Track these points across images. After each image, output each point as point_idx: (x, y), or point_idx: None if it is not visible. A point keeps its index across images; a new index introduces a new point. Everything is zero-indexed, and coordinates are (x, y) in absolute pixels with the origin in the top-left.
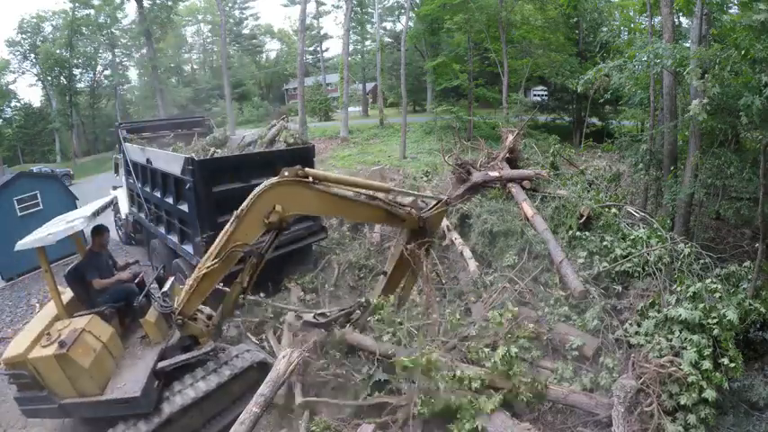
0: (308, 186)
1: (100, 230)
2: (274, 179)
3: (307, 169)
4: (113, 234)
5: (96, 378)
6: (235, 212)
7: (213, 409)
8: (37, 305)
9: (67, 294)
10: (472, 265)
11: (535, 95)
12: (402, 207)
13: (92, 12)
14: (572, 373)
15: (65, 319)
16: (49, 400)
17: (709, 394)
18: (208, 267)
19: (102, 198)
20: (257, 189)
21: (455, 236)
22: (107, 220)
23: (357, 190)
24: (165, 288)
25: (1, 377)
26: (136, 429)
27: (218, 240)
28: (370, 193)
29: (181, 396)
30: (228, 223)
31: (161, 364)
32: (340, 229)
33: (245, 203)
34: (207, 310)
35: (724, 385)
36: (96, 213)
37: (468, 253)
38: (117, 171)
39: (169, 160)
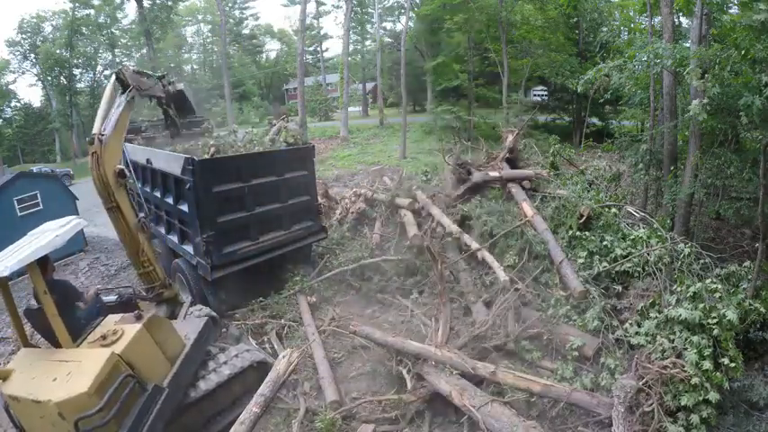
0: (110, 139)
1: (44, 261)
2: (91, 161)
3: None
4: (113, 234)
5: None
6: (106, 208)
7: (213, 408)
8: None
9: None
10: (501, 274)
11: (535, 95)
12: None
13: (92, 12)
14: (572, 373)
15: (74, 348)
16: (157, 392)
17: (713, 396)
18: (143, 244)
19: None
20: (98, 177)
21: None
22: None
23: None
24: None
25: None
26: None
27: (126, 232)
28: None
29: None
30: (113, 220)
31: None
32: (340, 228)
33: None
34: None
35: (724, 385)
36: (67, 235)
37: (489, 257)
38: None
39: (169, 160)
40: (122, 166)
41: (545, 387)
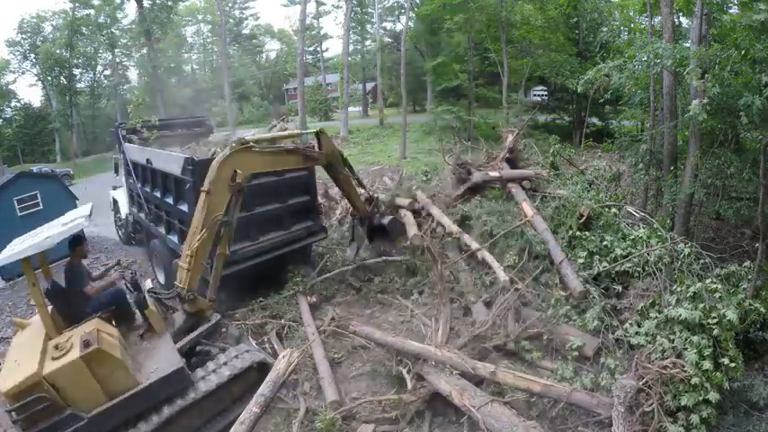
0: (252, 150)
1: (79, 241)
2: (227, 151)
3: (247, 137)
4: (113, 234)
5: (130, 368)
6: (200, 189)
7: (213, 409)
8: None
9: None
10: (501, 274)
11: (535, 95)
12: (312, 150)
13: (92, 12)
14: (572, 373)
15: (60, 335)
16: (72, 419)
17: (713, 396)
18: (198, 240)
19: (70, 215)
20: (215, 162)
21: (466, 238)
22: (107, 220)
23: (283, 146)
24: (149, 285)
25: None
26: (135, 430)
27: (196, 217)
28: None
29: (180, 398)
30: (200, 200)
31: (179, 345)
32: (340, 228)
33: (208, 179)
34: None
35: (724, 385)
36: (60, 237)
37: (489, 257)
38: (117, 171)
39: (169, 160)
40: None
41: (545, 387)
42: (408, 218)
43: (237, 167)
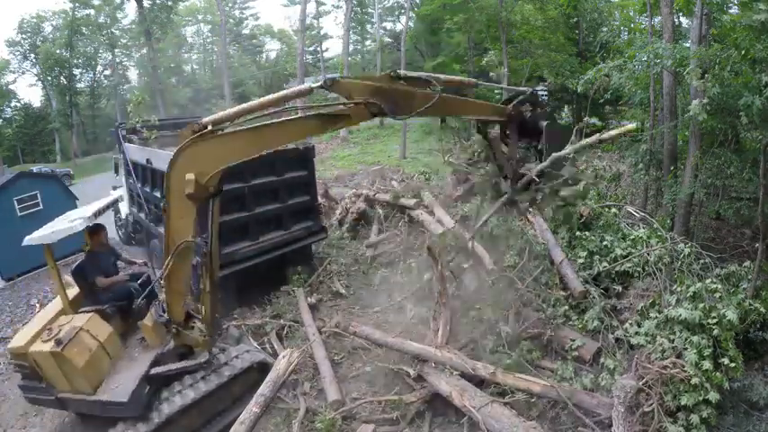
0: (210, 137)
1: (96, 230)
2: (175, 149)
3: (204, 120)
4: (113, 234)
5: (89, 378)
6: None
7: (213, 409)
8: (37, 305)
9: (74, 289)
10: (488, 263)
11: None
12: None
13: (92, 12)
14: (572, 374)
15: (69, 315)
16: (47, 391)
17: (713, 396)
18: (165, 269)
19: (103, 198)
20: (167, 167)
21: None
22: (107, 220)
23: (270, 110)
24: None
25: (1, 378)
26: (135, 430)
27: (164, 238)
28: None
29: (180, 397)
30: (163, 217)
31: (154, 370)
32: (340, 229)
33: (165, 189)
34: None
35: (724, 385)
36: (98, 213)
37: (479, 249)
38: (117, 171)
39: (169, 160)
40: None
41: (545, 388)
42: (425, 216)
43: (193, 170)
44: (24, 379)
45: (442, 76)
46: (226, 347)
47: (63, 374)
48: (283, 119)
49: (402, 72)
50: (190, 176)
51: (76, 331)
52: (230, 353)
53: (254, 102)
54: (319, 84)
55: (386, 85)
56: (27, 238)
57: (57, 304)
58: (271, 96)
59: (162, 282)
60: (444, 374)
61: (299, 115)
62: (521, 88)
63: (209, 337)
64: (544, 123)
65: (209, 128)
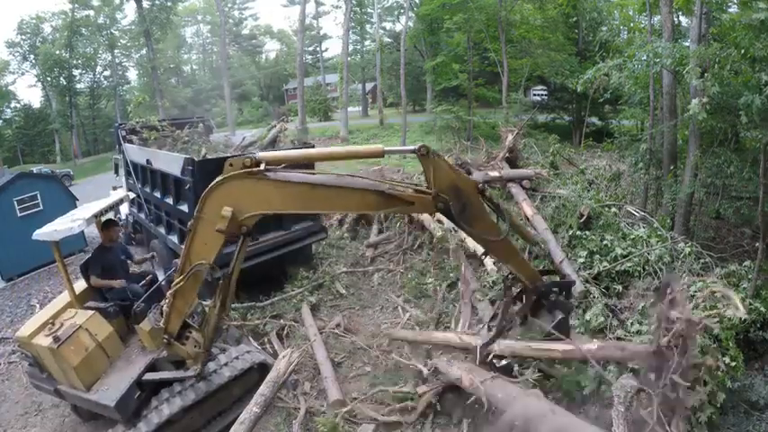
0: (262, 178)
1: (108, 225)
2: (219, 177)
3: (259, 154)
4: None
5: (83, 377)
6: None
7: (214, 409)
8: (37, 306)
9: (82, 283)
10: (488, 261)
11: (535, 95)
12: (408, 186)
13: (91, 13)
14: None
15: (75, 308)
16: (47, 381)
17: (720, 396)
18: (175, 285)
19: (109, 196)
20: (205, 192)
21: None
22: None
23: (329, 172)
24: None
25: (1, 378)
26: (136, 430)
27: (182, 254)
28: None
29: (181, 397)
30: (187, 234)
31: (146, 376)
32: (340, 228)
33: (197, 208)
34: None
35: (725, 385)
36: (99, 214)
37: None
38: (117, 172)
39: (168, 161)
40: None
41: (566, 352)
42: (426, 217)
43: (231, 205)
44: (29, 366)
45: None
46: (226, 348)
47: (60, 369)
48: (344, 184)
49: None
50: (227, 211)
51: (75, 330)
52: (231, 353)
53: (321, 150)
54: (412, 149)
55: (469, 189)
56: (36, 232)
57: (67, 295)
58: (340, 150)
59: (167, 296)
60: (456, 361)
61: (362, 185)
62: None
63: (203, 351)
64: (560, 316)
65: (263, 166)
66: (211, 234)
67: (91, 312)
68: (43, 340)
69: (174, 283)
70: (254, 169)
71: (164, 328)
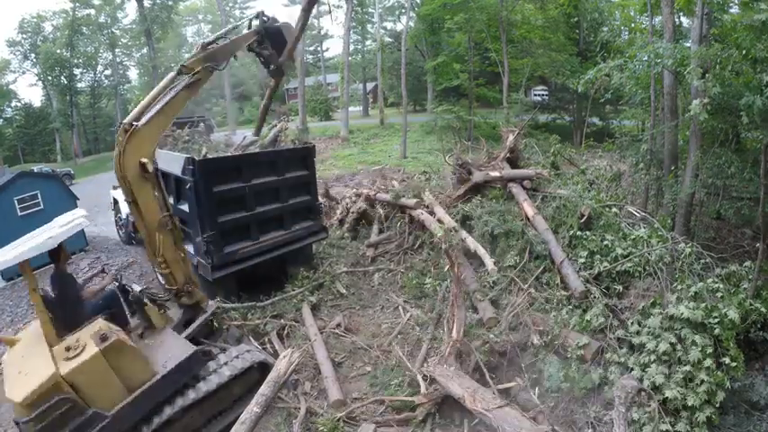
0: (140, 129)
1: (60, 249)
2: (115, 151)
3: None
4: (114, 234)
5: (147, 359)
6: (126, 201)
7: (214, 408)
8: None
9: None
10: (489, 263)
11: (536, 95)
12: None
13: (92, 12)
14: (575, 373)
15: (61, 341)
16: (96, 419)
17: (720, 396)
18: (160, 246)
19: (65, 217)
20: (121, 167)
21: (464, 234)
22: (108, 219)
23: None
24: (138, 289)
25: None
26: (136, 430)
27: (140, 228)
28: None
29: (180, 397)
30: (133, 214)
31: (184, 334)
32: (340, 228)
33: (124, 190)
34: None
35: (726, 385)
36: (64, 236)
37: (481, 250)
38: None
39: (169, 160)
40: (146, 160)
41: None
42: (426, 217)
43: (141, 156)
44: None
45: None
46: (227, 347)
47: (121, 371)
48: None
49: None
50: (142, 159)
51: (103, 328)
52: (231, 353)
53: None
54: None
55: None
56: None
57: (21, 349)
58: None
59: (159, 259)
60: (456, 377)
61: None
62: None
63: (186, 284)
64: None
65: (132, 124)
66: (144, 188)
67: (95, 323)
68: (83, 356)
69: (157, 244)
70: (134, 125)
71: (175, 288)
